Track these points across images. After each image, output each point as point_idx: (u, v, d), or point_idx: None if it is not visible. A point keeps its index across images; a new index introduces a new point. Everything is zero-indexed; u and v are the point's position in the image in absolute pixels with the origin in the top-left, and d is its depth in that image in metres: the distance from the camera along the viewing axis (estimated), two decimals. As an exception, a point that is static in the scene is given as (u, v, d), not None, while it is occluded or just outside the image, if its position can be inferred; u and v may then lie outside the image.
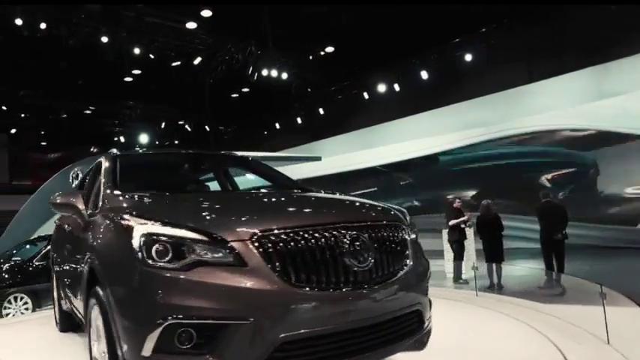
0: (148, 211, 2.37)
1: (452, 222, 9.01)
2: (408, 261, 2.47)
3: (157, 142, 23.79)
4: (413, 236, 2.66)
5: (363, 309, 2.18)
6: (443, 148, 17.86)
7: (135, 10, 13.58)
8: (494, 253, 8.47)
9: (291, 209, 2.65)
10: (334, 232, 2.21)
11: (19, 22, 11.70)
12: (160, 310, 1.97)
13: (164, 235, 2.10)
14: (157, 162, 4.09)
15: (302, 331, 2.03)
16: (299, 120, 23.86)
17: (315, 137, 23.12)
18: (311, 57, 18.50)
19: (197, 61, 17.08)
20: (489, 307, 4.49)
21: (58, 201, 2.98)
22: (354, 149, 20.27)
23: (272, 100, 22.57)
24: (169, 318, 1.94)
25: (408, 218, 2.77)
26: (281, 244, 2.11)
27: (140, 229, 2.14)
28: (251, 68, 17.54)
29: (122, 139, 23.40)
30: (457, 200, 9.38)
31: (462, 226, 9.08)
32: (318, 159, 17.24)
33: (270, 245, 2.10)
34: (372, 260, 2.24)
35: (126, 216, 2.30)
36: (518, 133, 15.88)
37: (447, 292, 5.92)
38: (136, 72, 19.13)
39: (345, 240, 2.20)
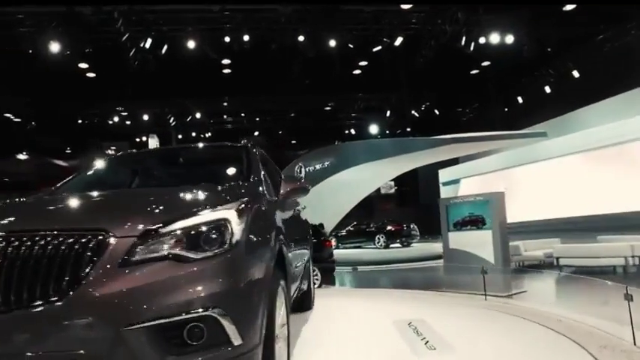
0: None
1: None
2: (76, 286, 1.84)
3: (386, 132, 24.59)
4: (152, 255, 1.94)
5: None
6: None
7: (324, 2, 14.36)
8: None
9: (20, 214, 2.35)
10: None
11: (227, 39, 14.10)
12: None
13: None
14: (136, 160, 4.14)
15: None
16: (547, 89, 20.57)
17: (571, 106, 19.42)
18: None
19: (405, 41, 16.72)
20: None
21: None
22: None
23: (509, 71, 20.22)
24: None
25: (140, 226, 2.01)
26: None
27: None
28: (464, 38, 16.06)
29: (353, 131, 25.17)
30: None
31: None
32: (543, 134, 14.38)
33: None
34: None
35: None
36: None
37: (595, 331, 3.89)
38: (363, 63, 20.27)
39: None
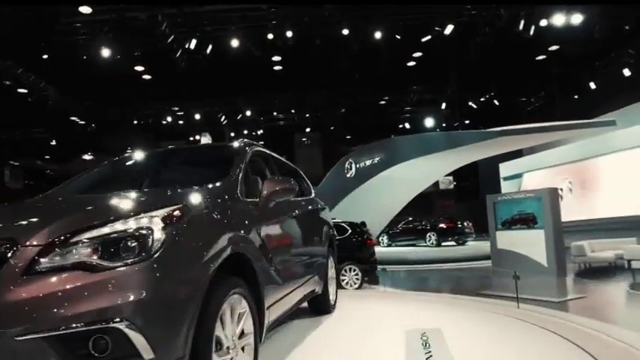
0: None
1: None
2: None
3: (443, 125, 23.70)
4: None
5: None
6: None
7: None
8: None
9: None
10: None
11: (273, 36, 14.18)
12: None
13: None
14: (129, 163, 4.13)
15: None
16: (626, 72, 18.83)
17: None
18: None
19: (458, 29, 15.91)
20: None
21: None
22: None
23: (578, 55, 18.72)
24: None
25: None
26: None
27: None
28: (522, 22, 14.99)
29: (407, 125, 24.43)
30: None
31: None
32: (612, 123, 13.08)
33: None
34: None
35: None
36: None
37: None
38: (417, 55, 19.64)
39: None
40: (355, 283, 9.84)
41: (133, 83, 17.56)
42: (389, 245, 17.74)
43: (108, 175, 3.91)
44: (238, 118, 21.99)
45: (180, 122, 22.09)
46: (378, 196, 17.19)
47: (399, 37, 15.50)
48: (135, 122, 21.67)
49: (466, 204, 26.52)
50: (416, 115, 23.76)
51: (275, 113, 23.16)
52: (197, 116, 21.37)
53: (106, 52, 13.88)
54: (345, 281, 9.83)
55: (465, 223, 16.53)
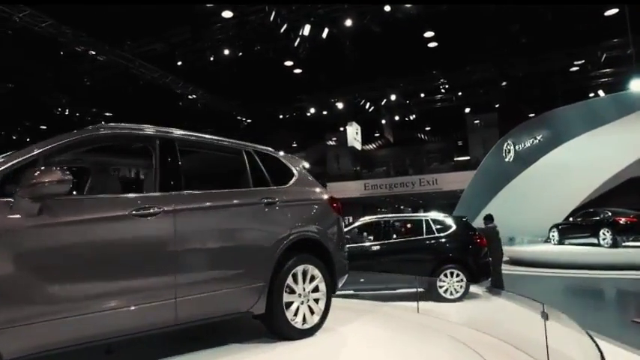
0: None
1: None
2: None
3: (657, 88, 18.04)
4: None
5: None
6: None
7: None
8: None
9: None
10: None
11: (387, 8, 12.77)
12: None
13: None
14: None
15: None
16: None
17: None
18: None
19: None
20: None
21: None
22: None
23: None
24: None
25: None
26: None
27: None
28: None
29: (601, 92, 19.33)
30: None
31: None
32: None
33: None
34: None
35: None
36: None
37: None
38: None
39: None
40: (457, 292, 8.02)
41: (276, 78, 17.95)
42: (560, 243, 14.32)
43: None
44: (382, 103, 20.66)
45: (324, 113, 21.80)
46: (543, 185, 14.08)
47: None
48: (280, 117, 22.35)
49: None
50: (615, 79, 18.75)
51: (422, 95, 20.89)
52: (340, 105, 20.74)
53: (235, 52, 14.67)
54: (444, 288, 8.08)
55: (663, 218, 12.07)
